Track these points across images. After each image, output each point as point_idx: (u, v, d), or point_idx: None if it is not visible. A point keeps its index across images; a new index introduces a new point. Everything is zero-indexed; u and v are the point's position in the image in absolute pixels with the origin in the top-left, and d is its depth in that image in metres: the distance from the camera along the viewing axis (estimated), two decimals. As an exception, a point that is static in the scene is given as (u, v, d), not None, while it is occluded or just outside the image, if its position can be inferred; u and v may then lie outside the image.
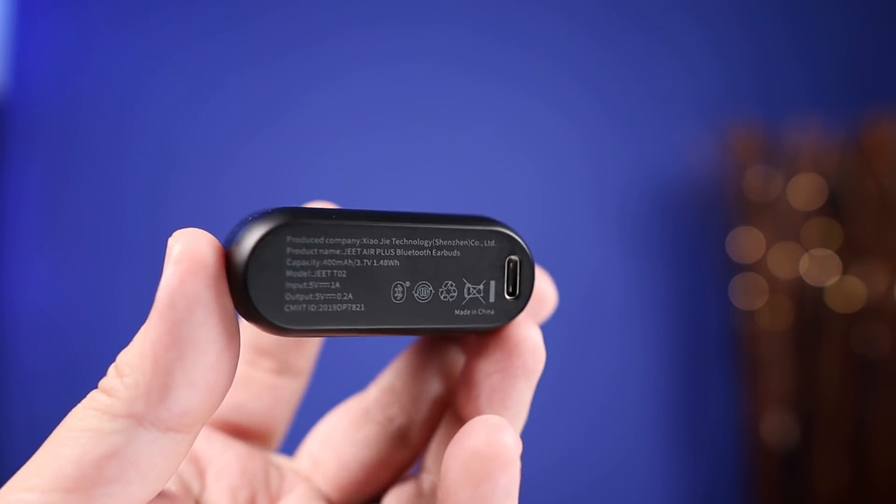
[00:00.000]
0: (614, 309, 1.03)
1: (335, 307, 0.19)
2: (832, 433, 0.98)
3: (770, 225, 0.99)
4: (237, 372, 0.24)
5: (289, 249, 0.19)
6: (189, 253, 0.18)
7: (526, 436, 0.30)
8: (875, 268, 0.98)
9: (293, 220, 0.19)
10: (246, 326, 0.25)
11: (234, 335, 0.19)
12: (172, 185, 0.97)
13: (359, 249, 0.20)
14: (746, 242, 0.99)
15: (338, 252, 0.19)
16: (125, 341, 0.20)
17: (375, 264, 0.20)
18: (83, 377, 0.95)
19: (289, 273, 0.19)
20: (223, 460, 0.23)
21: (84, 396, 0.19)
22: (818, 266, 0.98)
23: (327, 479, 0.24)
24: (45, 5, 0.97)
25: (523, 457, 0.66)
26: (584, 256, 1.02)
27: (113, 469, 0.18)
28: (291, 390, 0.25)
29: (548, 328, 0.40)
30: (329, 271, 0.19)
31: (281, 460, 0.25)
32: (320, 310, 0.19)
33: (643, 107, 1.04)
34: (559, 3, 1.03)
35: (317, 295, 0.19)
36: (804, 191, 0.98)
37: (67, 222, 0.96)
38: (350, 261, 0.20)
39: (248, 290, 0.18)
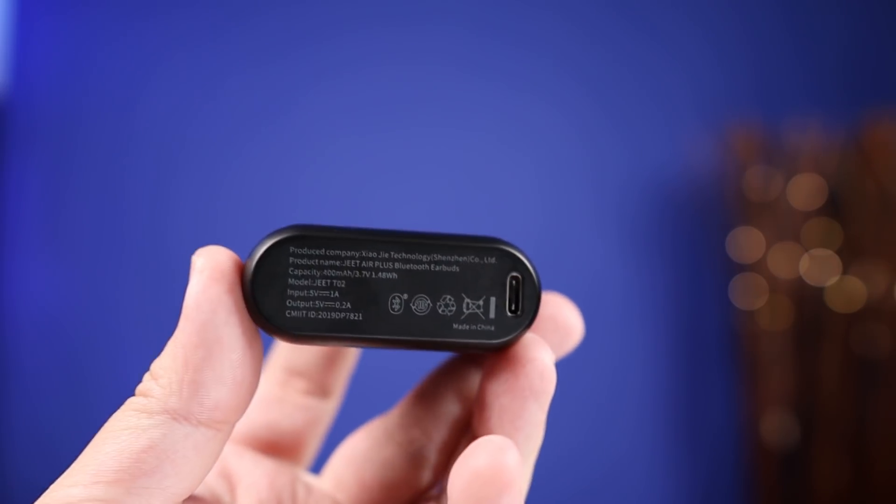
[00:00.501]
0: (614, 309, 1.03)
1: (334, 315, 0.21)
2: (832, 433, 0.98)
3: (770, 225, 0.99)
4: (270, 392, 0.26)
5: (291, 259, 0.21)
6: (210, 264, 0.20)
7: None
8: (875, 268, 0.98)
9: (297, 234, 0.21)
10: (281, 349, 0.26)
11: (255, 336, 0.21)
12: (172, 186, 0.97)
13: (358, 262, 0.21)
14: (746, 242, 0.99)
15: (337, 263, 0.21)
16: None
17: (374, 276, 0.21)
18: (83, 377, 0.95)
19: (291, 281, 0.21)
20: (253, 476, 0.25)
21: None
22: (818, 266, 0.98)
23: (349, 497, 0.25)
24: (45, 5, 0.97)
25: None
26: (584, 256, 1.02)
27: (150, 462, 0.19)
28: (323, 410, 0.27)
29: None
30: (328, 281, 0.21)
31: (309, 477, 0.26)
32: (319, 316, 0.21)
33: (643, 107, 1.04)
34: (559, 4, 1.03)
35: (316, 302, 0.21)
36: (804, 191, 0.98)
37: (68, 223, 0.96)
38: (349, 272, 0.21)
39: (254, 295, 0.20)
